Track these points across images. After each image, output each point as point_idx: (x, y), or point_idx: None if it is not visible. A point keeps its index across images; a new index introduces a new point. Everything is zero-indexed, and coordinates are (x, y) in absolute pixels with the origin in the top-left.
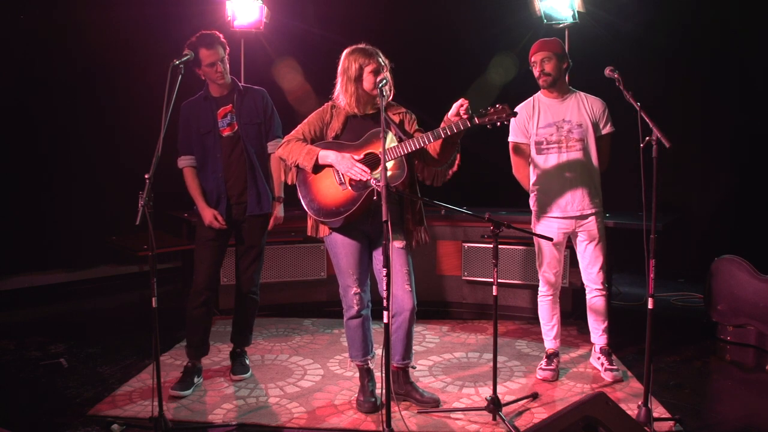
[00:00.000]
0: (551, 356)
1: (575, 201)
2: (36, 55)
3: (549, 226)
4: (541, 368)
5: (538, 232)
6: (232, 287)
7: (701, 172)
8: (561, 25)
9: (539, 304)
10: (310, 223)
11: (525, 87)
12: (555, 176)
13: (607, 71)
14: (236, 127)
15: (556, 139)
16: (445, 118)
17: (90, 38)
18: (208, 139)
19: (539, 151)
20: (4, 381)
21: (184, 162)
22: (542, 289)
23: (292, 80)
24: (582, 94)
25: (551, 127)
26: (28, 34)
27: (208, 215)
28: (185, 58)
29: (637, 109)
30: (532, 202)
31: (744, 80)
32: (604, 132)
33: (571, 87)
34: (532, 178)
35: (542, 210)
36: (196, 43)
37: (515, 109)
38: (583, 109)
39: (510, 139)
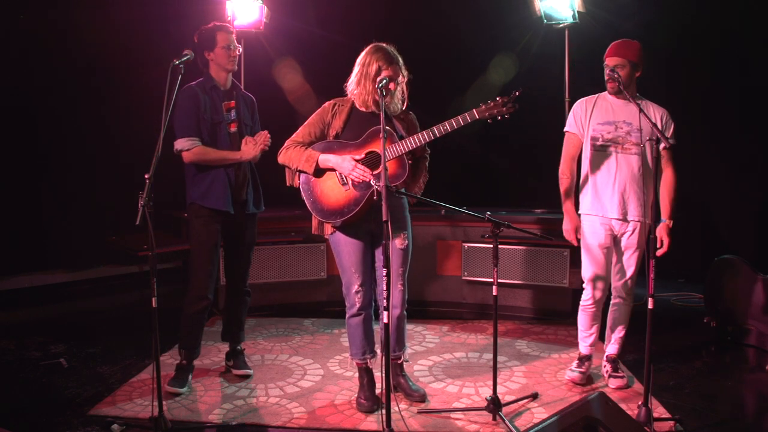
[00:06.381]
0: (583, 359)
1: (619, 204)
2: (35, 55)
3: (593, 225)
4: (570, 369)
5: (584, 231)
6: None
7: (701, 172)
8: (561, 25)
9: (580, 311)
10: (314, 222)
11: (525, 87)
12: (604, 174)
13: (607, 71)
14: (240, 125)
15: (612, 137)
16: None
17: (89, 38)
18: (220, 130)
19: (594, 147)
20: (4, 381)
21: (191, 143)
22: (585, 298)
23: (292, 80)
24: (646, 101)
25: (610, 125)
26: (27, 33)
27: (262, 138)
28: (185, 58)
29: (638, 109)
30: (580, 197)
31: (744, 80)
32: (662, 145)
33: (638, 94)
34: (583, 173)
35: (586, 207)
36: (212, 28)
37: (575, 104)
38: (645, 116)
39: (565, 128)
